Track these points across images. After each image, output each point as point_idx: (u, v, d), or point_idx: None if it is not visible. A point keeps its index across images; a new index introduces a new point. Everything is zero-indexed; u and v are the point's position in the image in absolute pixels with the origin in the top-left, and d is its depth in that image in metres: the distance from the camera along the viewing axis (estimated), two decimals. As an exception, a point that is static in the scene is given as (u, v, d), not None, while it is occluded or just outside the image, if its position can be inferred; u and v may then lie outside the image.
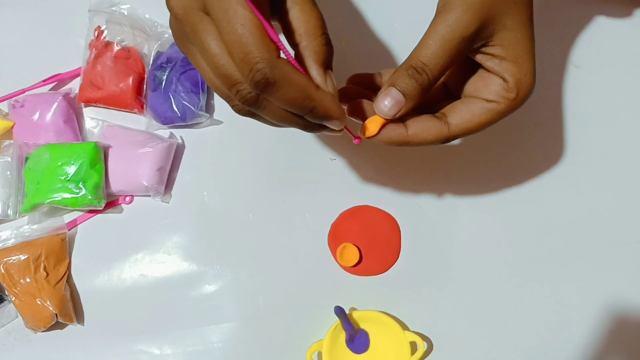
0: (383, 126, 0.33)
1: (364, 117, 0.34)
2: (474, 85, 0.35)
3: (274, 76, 0.27)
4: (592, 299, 0.46)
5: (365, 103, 0.35)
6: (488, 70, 0.34)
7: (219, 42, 0.28)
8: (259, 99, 0.29)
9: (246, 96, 0.28)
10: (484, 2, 0.31)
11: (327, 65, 0.31)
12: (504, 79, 0.33)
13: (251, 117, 0.32)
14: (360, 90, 0.37)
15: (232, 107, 0.31)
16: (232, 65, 0.28)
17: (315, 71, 0.30)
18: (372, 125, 0.33)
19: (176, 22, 0.30)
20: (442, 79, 0.35)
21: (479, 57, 0.34)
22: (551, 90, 0.49)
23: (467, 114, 0.34)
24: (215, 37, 0.28)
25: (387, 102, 0.33)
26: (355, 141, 0.34)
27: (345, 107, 0.35)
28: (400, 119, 0.34)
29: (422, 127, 0.34)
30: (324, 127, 0.32)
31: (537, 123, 0.48)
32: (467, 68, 0.36)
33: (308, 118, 0.30)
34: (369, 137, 0.34)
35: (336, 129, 0.31)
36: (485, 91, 0.34)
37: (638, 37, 0.49)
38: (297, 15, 0.30)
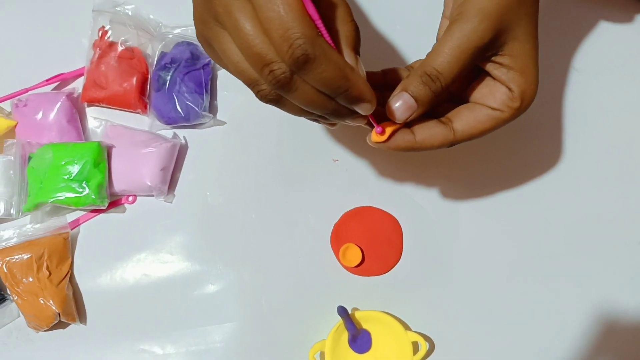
0: (393, 133, 0.34)
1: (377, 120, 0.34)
2: (479, 91, 0.36)
3: (315, 52, 0.27)
4: (592, 300, 0.46)
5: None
6: (494, 78, 0.35)
7: (255, 21, 0.27)
8: (291, 80, 0.28)
9: (279, 76, 0.28)
10: (500, 13, 0.32)
11: (357, 51, 0.31)
12: (509, 89, 0.34)
13: (274, 104, 0.31)
14: None
15: (258, 92, 0.30)
16: (266, 44, 0.27)
17: (347, 55, 0.30)
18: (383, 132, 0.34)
19: (206, 2, 0.29)
20: None
21: (488, 66, 0.35)
22: (552, 94, 0.49)
23: (473, 121, 0.35)
24: (250, 16, 0.27)
25: (398, 106, 0.33)
26: (377, 130, 0.34)
27: None
28: (407, 124, 0.34)
29: (430, 133, 0.35)
30: (350, 114, 0.31)
31: (538, 126, 0.49)
32: (471, 72, 0.36)
33: (340, 100, 0.30)
34: (378, 144, 0.34)
35: (365, 113, 0.31)
36: (491, 99, 0.35)
37: (639, 41, 0.50)
38: (328, 2, 0.30)
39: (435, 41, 0.38)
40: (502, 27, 0.32)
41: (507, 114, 0.35)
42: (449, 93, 0.39)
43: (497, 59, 0.34)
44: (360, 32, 0.50)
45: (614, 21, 0.50)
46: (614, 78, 0.49)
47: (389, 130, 0.34)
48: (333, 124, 0.35)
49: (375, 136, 0.34)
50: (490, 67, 0.34)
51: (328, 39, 0.28)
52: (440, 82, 0.33)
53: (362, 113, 0.31)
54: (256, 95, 0.31)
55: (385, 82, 0.38)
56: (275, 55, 0.27)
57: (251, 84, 0.30)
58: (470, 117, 0.35)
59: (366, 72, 0.38)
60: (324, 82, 0.28)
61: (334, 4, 0.30)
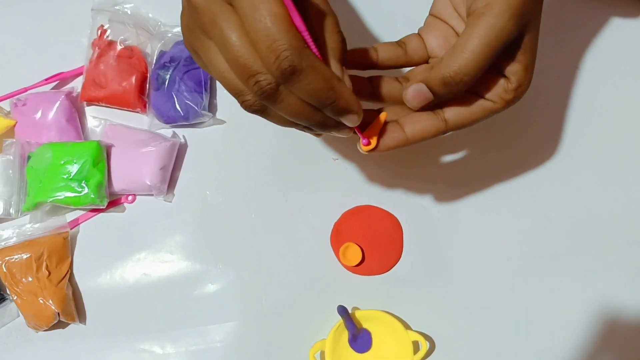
0: (379, 136, 0.34)
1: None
2: None
3: (301, 64, 0.27)
4: (594, 299, 0.46)
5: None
6: (494, 68, 0.34)
7: (240, 32, 0.27)
8: (277, 91, 0.28)
9: (265, 87, 0.28)
10: (525, 8, 0.31)
11: (343, 62, 0.31)
12: (507, 80, 0.34)
13: (259, 114, 0.31)
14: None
15: (243, 102, 0.30)
16: (252, 55, 0.27)
17: (334, 66, 0.30)
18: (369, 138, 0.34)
19: (192, 12, 0.29)
20: None
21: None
22: (554, 93, 0.49)
23: (465, 111, 0.34)
24: (236, 27, 0.27)
25: (414, 96, 0.33)
26: (364, 141, 0.34)
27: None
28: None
29: (420, 127, 0.34)
30: (337, 126, 0.31)
31: (539, 124, 0.49)
32: None
33: (327, 112, 0.29)
34: (368, 152, 0.35)
35: (352, 125, 0.31)
36: (485, 89, 0.34)
37: (639, 38, 0.50)
38: (315, 12, 0.30)
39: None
40: (525, 21, 0.32)
41: (499, 106, 0.34)
42: None
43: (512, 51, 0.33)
44: (360, 32, 0.50)
45: (615, 19, 0.50)
46: (615, 76, 0.49)
47: (374, 140, 0.34)
48: (319, 134, 0.35)
49: (364, 145, 0.34)
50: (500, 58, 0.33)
51: (315, 50, 0.28)
52: (464, 83, 0.32)
53: (349, 125, 0.31)
54: (241, 105, 0.30)
55: (372, 90, 0.38)
56: (261, 66, 0.27)
57: (236, 94, 0.30)
58: (463, 107, 0.35)
59: (351, 76, 0.38)
60: (311, 93, 0.28)
61: (321, 15, 0.30)
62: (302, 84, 0.27)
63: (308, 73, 0.27)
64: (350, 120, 0.31)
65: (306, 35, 0.27)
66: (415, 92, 0.33)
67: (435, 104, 0.34)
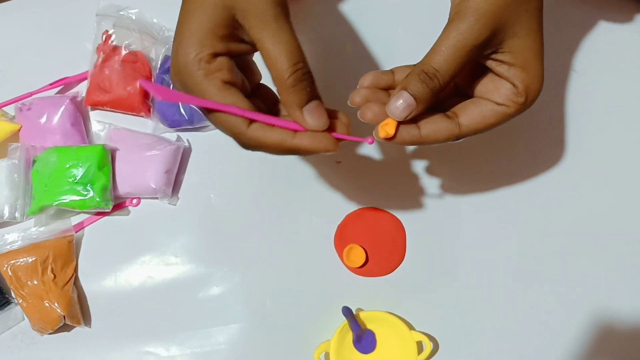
0: (397, 128, 0.34)
1: (376, 121, 0.35)
2: (484, 86, 0.36)
3: (250, 145, 0.33)
4: (595, 299, 0.46)
5: (376, 106, 0.35)
6: (497, 75, 0.35)
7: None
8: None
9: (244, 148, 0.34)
10: (496, 11, 0.32)
11: (304, 102, 0.33)
12: (513, 84, 0.35)
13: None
14: (373, 91, 0.37)
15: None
16: None
17: (293, 113, 0.33)
18: (387, 128, 0.34)
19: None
20: None
21: (489, 63, 0.35)
22: (553, 95, 0.50)
23: (478, 116, 0.35)
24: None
25: (398, 105, 0.34)
26: (369, 141, 0.35)
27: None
28: (412, 119, 0.35)
29: (435, 128, 0.35)
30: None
31: (539, 127, 0.49)
32: (476, 68, 0.36)
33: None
34: (384, 140, 0.35)
35: (328, 153, 0.34)
36: (496, 94, 0.35)
37: (637, 41, 0.50)
38: (266, 51, 0.32)
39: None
40: (500, 25, 0.33)
41: (512, 109, 0.35)
42: (456, 88, 0.39)
43: (498, 56, 0.34)
44: (363, 36, 0.51)
45: (613, 22, 0.51)
46: (614, 79, 0.50)
47: (393, 125, 0.34)
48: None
49: (382, 132, 0.34)
50: (492, 64, 0.35)
51: (262, 119, 0.32)
52: (438, 80, 0.33)
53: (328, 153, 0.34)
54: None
55: (394, 82, 0.38)
56: None
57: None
58: (476, 111, 0.35)
59: (375, 72, 0.38)
60: (275, 153, 0.33)
61: (271, 56, 0.32)
62: (264, 151, 0.33)
63: (260, 147, 0.33)
64: (326, 153, 0.34)
65: (246, 114, 0.32)
66: (396, 100, 0.34)
67: (423, 110, 0.35)
